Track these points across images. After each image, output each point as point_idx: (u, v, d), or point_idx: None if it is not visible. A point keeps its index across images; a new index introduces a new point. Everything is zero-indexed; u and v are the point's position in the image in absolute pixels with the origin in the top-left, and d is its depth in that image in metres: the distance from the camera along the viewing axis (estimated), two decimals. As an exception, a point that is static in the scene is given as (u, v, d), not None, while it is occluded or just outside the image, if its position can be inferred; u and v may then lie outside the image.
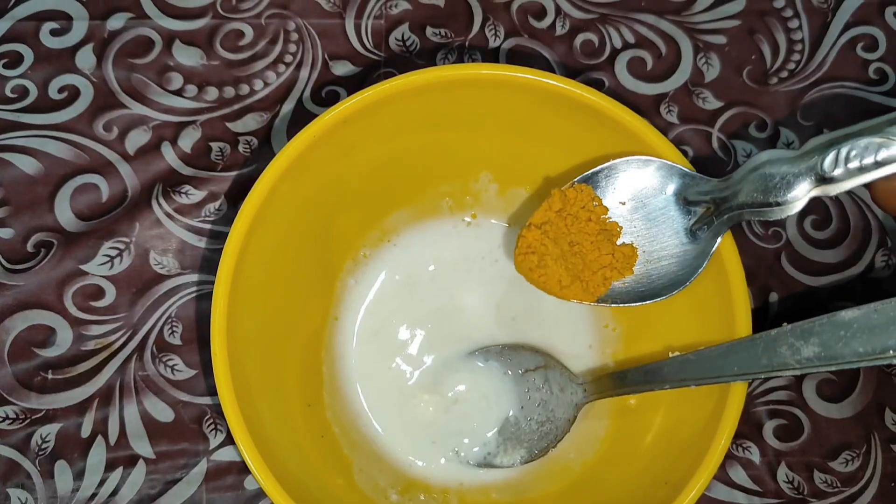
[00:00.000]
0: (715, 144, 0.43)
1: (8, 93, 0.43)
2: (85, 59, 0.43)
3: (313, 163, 0.35)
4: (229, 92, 0.43)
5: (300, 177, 0.35)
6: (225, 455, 0.40)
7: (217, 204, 0.42)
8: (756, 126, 0.44)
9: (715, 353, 0.33)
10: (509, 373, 0.39)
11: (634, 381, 0.36)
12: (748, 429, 0.41)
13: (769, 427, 0.41)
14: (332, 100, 0.43)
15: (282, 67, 0.44)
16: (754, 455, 0.41)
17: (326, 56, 0.44)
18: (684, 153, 0.38)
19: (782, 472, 0.41)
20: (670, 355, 0.35)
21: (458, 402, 0.39)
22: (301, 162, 0.34)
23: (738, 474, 0.40)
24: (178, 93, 0.43)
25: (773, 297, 0.42)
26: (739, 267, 0.33)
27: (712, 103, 0.44)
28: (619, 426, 0.38)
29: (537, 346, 0.40)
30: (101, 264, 0.41)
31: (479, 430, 0.39)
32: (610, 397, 0.37)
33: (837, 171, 0.28)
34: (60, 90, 0.43)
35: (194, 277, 0.41)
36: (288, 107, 0.43)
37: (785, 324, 0.31)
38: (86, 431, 0.39)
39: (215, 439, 0.40)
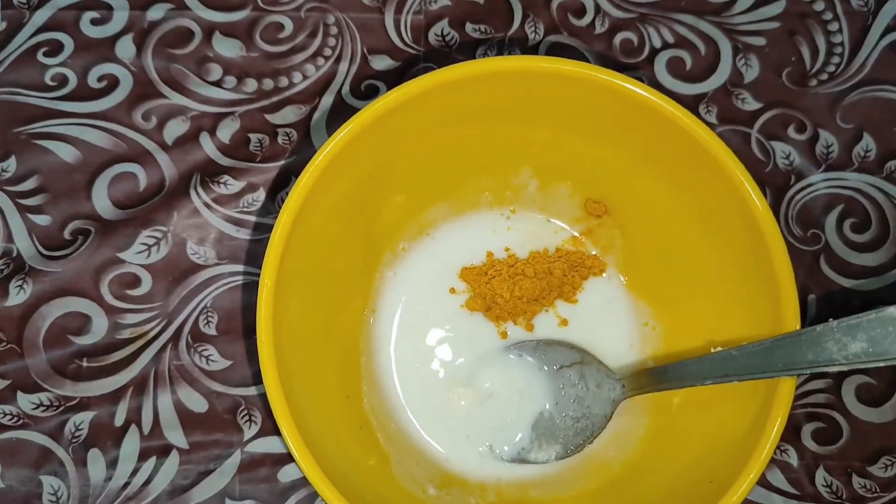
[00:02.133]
0: (754, 145, 0.43)
1: (48, 80, 0.43)
2: (125, 48, 0.43)
3: (357, 155, 0.35)
4: (268, 84, 0.43)
5: (344, 168, 0.35)
6: (259, 447, 0.39)
7: (255, 195, 0.42)
8: (795, 128, 0.43)
9: (759, 348, 0.32)
10: (544, 368, 0.39)
11: (675, 377, 0.35)
12: (786, 431, 0.39)
13: (807, 430, 0.41)
14: (372, 94, 0.43)
15: (321, 61, 0.44)
16: (792, 458, 0.40)
17: (365, 50, 0.44)
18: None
19: (820, 476, 0.40)
20: (712, 350, 0.34)
21: (492, 396, 0.39)
22: (346, 153, 0.34)
23: (776, 477, 0.40)
24: (218, 84, 0.43)
25: (811, 298, 0.42)
26: (787, 261, 0.33)
27: (751, 104, 0.43)
28: (659, 424, 0.38)
29: (574, 342, 0.40)
30: (139, 253, 0.41)
31: (512, 425, 0.39)
32: (649, 393, 0.37)
33: None
34: (100, 79, 0.43)
35: (231, 268, 0.41)
36: (327, 100, 0.43)
37: (831, 319, 0.31)
38: (119, 420, 0.39)
39: (249, 430, 0.40)
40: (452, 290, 0.41)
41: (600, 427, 0.37)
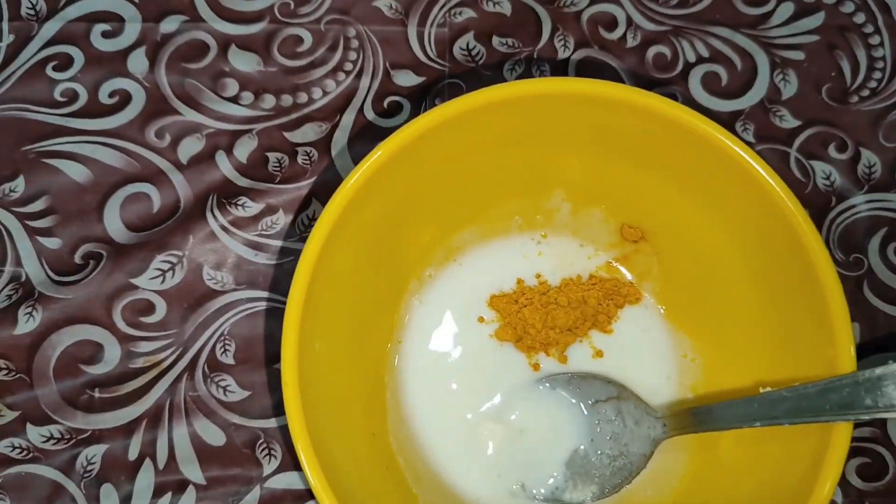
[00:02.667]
0: (793, 165, 0.42)
1: (57, 96, 0.41)
2: (137, 62, 0.42)
3: (385, 179, 0.33)
4: (287, 100, 0.42)
5: (372, 194, 0.33)
6: (280, 482, 0.38)
7: (274, 217, 0.40)
8: (836, 147, 0.42)
9: (812, 389, 0.31)
10: (580, 404, 0.37)
11: (721, 418, 0.33)
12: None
13: (852, 465, 0.39)
14: (395, 110, 0.42)
15: (341, 76, 0.42)
16: (837, 495, 0.39)
17: (388, 65, 0.42)
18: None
19: (865, 514, 0.39)
20: (761, 391, 0.33)
21: (523, 432, 0.38)
22: (375, 179, 0.33)
23: (819, 515, 0.38)
24: (234, 100, 0.41)
25: (854, 326, 0.40)
26: (841, 295, 0.31)
27: (790, 122, 0.42)
28: (699, 463, 0.36)
29: (609, 375, 0.38)
30: (153, 278, 0.39)
31: (546, 463, 0.37)
32: (692, 433, 0.35)
33: None
34: (111, 94, 0.41)
35: (249, 293, 0.40)
36: (348, 117, 0.41)
37: (891, 361, 0.29)
38: (133, 454, 0.38)
39: (269, 465, 0.38)
40: (481, 319, 0.39)
41: (639, 467, 0.36)
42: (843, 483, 0.39)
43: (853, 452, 0.39)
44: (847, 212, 0.41)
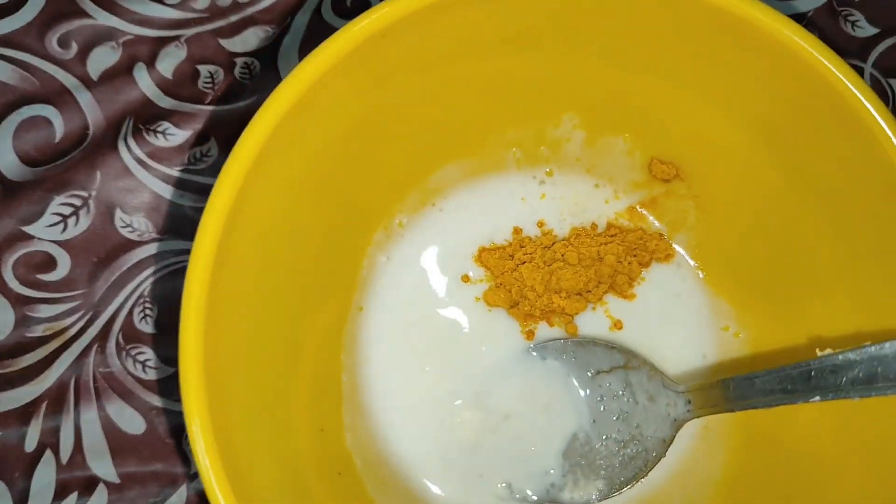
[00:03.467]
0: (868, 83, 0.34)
1: (-69, -7, 0.35)
2: (34, -51, 0.36)
3: (333, 96, 0.28)
4: (224, -1, 0.35)
5: (315, 116, 0.28)
6: (211, 482, 0.32)
7: (205, 148, 0.35)
8: None
9: (890, 351, 0.26)
10: (576, 376, 0.32)
11: (764, 390, 0.28)
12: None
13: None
14: (361, 9, 0.34)
15: (295, -34, 0.36)
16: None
17: (354, -48, 0.36)
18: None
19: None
20: (818, 353, 0.28)
21: (509, 417, 0.32)
22: (316, 94, 0.27)
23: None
24: (158, -1, 0.35)
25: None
26: None
27: (865, 29, 0.36)
28: (743, 462, 0.31)
29: (615, 341, 0.33)
30: (51, 225, 0.34)
31: (538, 455, 0.32)
32: (727, 412, 0.30)
33: None
34: (1, -9, 0.35)
35: (174, 245, 0.34)
36: (302, 19, 0.36)
37: None
38: (31, 445, 0.33)
39: (199, 460, 0.32)
40: (466, 279, 0.34)
41: (656, 455, 0.31)
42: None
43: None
44: (935, 144, 0.34)
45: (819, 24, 0.36)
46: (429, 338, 0.33)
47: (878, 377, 0.26)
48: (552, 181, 0.34)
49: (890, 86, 0.36)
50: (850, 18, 0.36)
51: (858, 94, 0.26)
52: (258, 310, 0.29)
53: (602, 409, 0.32)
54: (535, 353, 0.33)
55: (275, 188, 0.28)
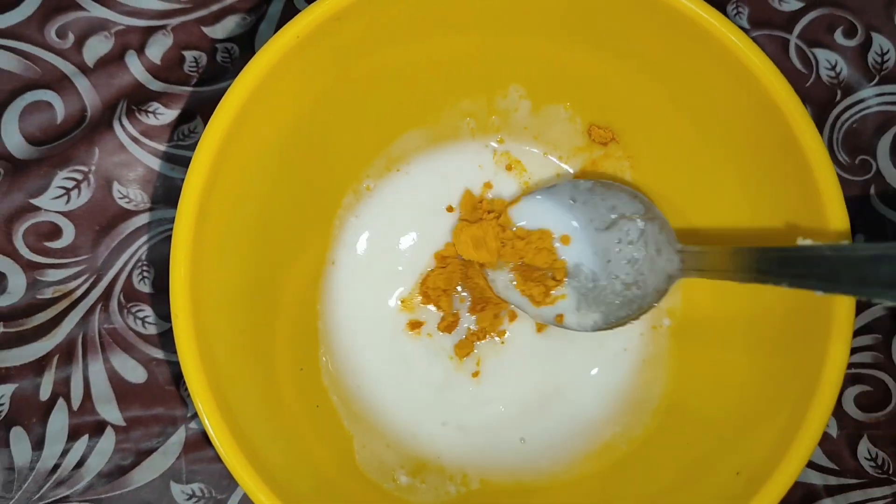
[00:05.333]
0: (793, 54, 0.37)
1: (-61, -9, 0.36)
2: (32, -52, 0.36)
3: (301, 72, 0.29)
4: (206, -11, 0.37)
5: (284, 90, 0.29)
6: (206, 422, 0.34)
7: (191, 125, 0.36)
8: (844, 31, 0.37)
9: (864, 254, 0.24)
10: (598, 219, 0.33)
11: (749, 268, 0.27)
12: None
13: (850, 394, 0.35)
14: None
15: (269, -42, 0.37)
16: (831, 427, 0.35)
17: (322, -55, 0.36)
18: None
19: (863, 448, 0.35)
20: (799, 242, 0.27)
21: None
22: (284, 70, 0.28)
23: (812, 449, 0.35)
24: (146, -9, 0.37)
25: (859, 238, 0.36)
26: (842, 207, 0.27)
27: (790, 4, 0.37)
28: (676, 392, 0.33)
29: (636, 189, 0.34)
30: (56, 198, 0.35)
31: None
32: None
33: None
34: (3, -13, 0.36)
35: (167, 213, 0.36)
36: (276, 7, 0.37)
37: None
38: (45, 394, 0.35)
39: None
40: (450, 209, 0.35)
41: (650, 303, 0.32)
42: (840, 414, 0.35)
43: (852, 380, 0.35)
44: (854, 107, 0.37)
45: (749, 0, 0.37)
46: (397, 286, 0.34)
47: (847, 279, 0.24)
48: (503, 148, 0.35)
49: (814, 55, 0.37)
50: (778, -7, 0.37)
51: (759, 63, 0.28)
52: (239, 263, 0.30)
53: (618, 251, 0.32)
54: (558, 188, 0.33)
55: (248, 156, 0.29)
